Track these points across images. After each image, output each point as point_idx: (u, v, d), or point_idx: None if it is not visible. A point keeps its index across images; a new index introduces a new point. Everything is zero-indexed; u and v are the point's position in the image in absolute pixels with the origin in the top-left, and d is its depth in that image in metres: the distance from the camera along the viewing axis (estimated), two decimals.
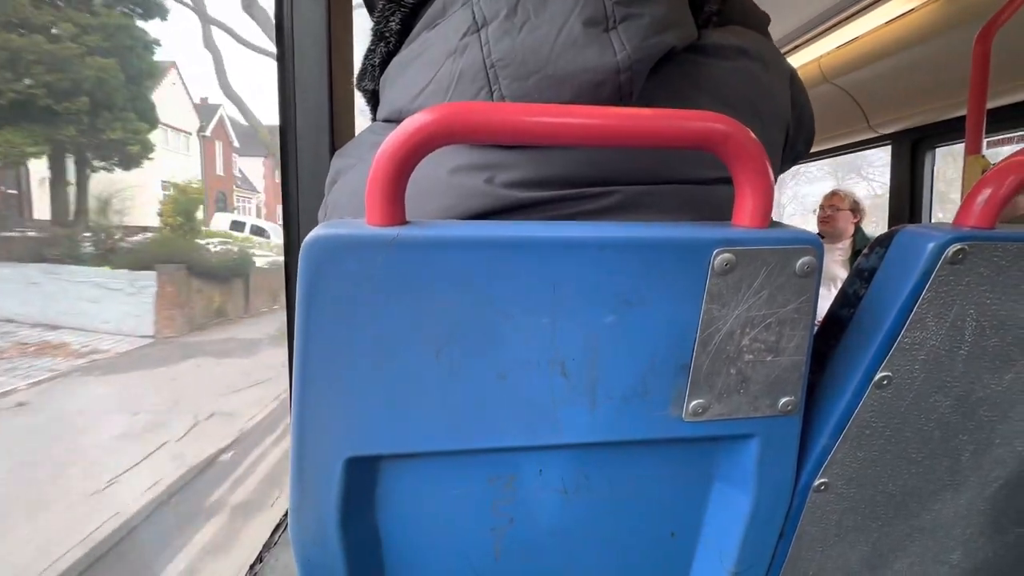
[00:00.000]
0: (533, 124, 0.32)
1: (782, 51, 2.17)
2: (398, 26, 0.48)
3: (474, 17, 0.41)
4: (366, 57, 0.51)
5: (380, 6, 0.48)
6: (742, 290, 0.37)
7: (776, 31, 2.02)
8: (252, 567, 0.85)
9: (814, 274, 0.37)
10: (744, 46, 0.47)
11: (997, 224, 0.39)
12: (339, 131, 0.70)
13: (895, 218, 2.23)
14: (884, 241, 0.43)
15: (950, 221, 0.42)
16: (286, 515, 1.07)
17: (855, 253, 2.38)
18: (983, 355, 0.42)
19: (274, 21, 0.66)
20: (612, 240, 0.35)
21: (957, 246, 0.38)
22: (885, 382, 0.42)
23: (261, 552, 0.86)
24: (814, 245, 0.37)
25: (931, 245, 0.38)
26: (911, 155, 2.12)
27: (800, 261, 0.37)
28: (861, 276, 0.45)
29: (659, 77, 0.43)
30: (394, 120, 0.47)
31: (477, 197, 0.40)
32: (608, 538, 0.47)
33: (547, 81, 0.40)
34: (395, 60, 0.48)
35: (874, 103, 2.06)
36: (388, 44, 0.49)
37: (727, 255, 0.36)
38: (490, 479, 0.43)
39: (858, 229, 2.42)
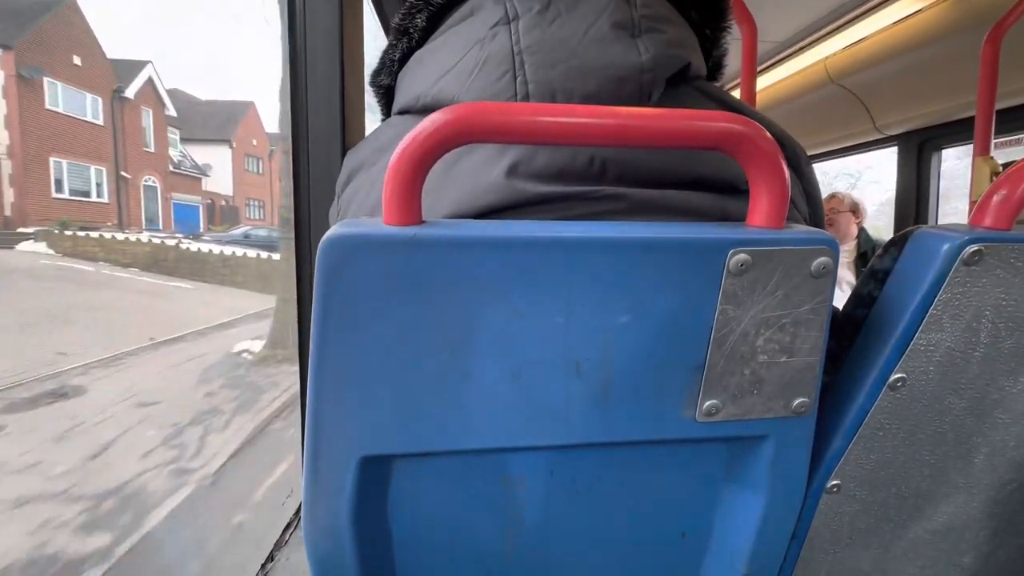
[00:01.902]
0: (551, 124, 0.32)
1: (788, 52, 2.17)
2: (424, 23, 0.48)
3: (506, 11, 0.43)
4: (385, 52, 0.52)
5: (408, 3, 0.49)
6: (757, 291, 0.37)
7: (782, 32, 2.02)
8: (264, 566, 0.85)
9: (830, 275, 0.37)
10: (751, 112, 0.47)
11: (1013, 225, 0.39)
12: (350, 131, 0.70)
13: (901, 219, 2.22)
14: (898, 242, 0.43)
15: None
16: (297, 514, 1.08)
17: (860, 255, 2.38)
18: (999, 357, 0.42)
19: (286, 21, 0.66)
20: (628, 240, 0.35)
21: (973, 247, 0.38)
22: (899, 383, 0.41)
23: (272, 551, 0.86)
24: (830, 246, 0.37)
25: (947, 246, 0.38)
26: (917, 156, 2.11)
27: (816, 262, 0.37)
28: (875, 277, 0.44)
29: (672, 102, 0.44)
30: (410, 109, 0.47)
31: (492, 191, 0.40)
32: (619, 538, 0.47)
33: (573, 71, 0.40)
34: (417, 54, 0.48)
35: (880, 104, 2.05)
36: (411, 40, 0.49)
37: (743, 255, 0.36)
38: (502, 479, 0.43)
39: (862, 230, 2.41)
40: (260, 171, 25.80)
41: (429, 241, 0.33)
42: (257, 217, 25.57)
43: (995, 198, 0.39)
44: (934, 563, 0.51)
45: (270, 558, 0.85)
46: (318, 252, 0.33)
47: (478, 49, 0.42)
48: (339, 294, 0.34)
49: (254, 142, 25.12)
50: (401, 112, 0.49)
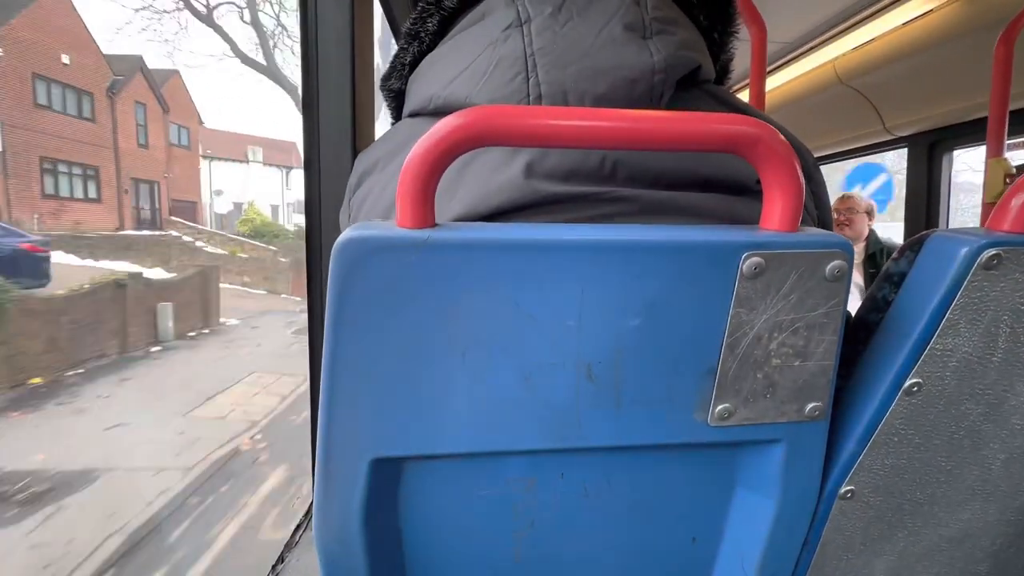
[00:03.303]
0: (564, 128, 0.32)
1: (797, 53, 2.16)
2: (435, 27, 0.49)
3: (518, 13, 0.43)
4: (396, 56, 0.52)
5: (420, 7, 0.50)
6: (771, 294, 0.37)
7: (790, 32, 2.01)
8: (274, 567, 0.85)
9: (844, 278, 0.37)
10: (761, 116, 0.48)
11: None
12: (361, 134, 0.71)
13: (911, 222, 2.20)
14: (915, 245, 0.42)
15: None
16: (307, 515, 1.09)
17: (869, 256, 2.37)
18: (1017, 362, 0.41)
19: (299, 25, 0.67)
20: (640, 243, 0.35)
21: (992, 251, 0.37)
22: (915, 388, 0.41)
23: (283, 552, 0.87)
24: (844, 249, 0.36)
25: (964, 250, 0.38)
26: (928, 158, 2.09)
27: (830, 265, 0.36)
28: (890, 280, 0.44)
29: (682, 105, 0.44)
30: (422, 111, 0.47)
31: (506, 190, 0.40)
32: (629, 543, 0.47)
33: (585, 72, 0.41)
34: (428, 57, 0.49)
35: (890, 105, 2.03)
36: (422, 44, 0.50)
37: (756, 259, 0.36)
38: (512, 482, 0.43)
39: (871, 232, 2.40)
40: (90, 115, 13.33)
41: (442, 244, 0.33)
42: (82, 195, 13.13)
43: (1014, 201, 0.38)
44: (949, 571, 0.51)
45: (280, 559, 0.85)
46: (332, 254, 0.33)
47: (491, 51, 0.43)
48: (353, 296, 0.34)
49: (65, 59, 12.46)
50: (412, 115, 0.49)
